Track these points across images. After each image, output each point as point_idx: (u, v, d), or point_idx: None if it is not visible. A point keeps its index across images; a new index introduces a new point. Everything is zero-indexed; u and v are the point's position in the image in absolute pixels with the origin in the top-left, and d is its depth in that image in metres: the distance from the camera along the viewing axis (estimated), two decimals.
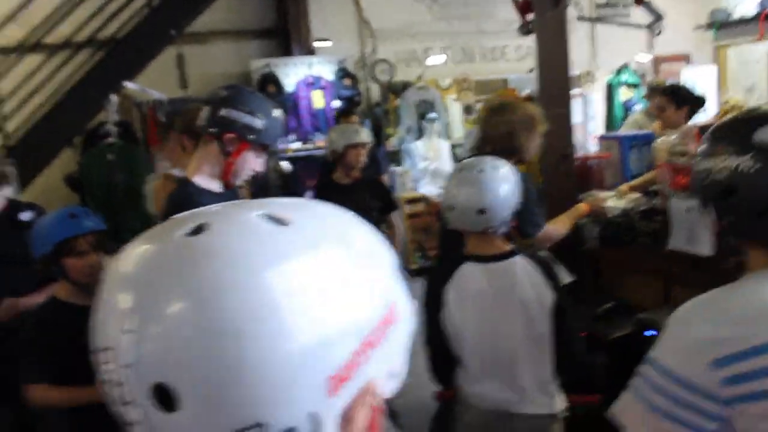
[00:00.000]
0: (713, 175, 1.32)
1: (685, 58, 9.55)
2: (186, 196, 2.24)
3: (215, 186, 2.33)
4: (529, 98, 4.64)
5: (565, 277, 2.96)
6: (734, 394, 1.19)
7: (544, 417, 2.29)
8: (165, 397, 0.59)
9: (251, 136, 2.24)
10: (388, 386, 0.69)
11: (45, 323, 2.35)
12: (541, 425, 2.30)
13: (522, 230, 2.81)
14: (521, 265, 2.28)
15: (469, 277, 2.27)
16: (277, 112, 2.34)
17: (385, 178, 5.87)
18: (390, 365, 0.69)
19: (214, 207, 0.71)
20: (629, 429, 1.31)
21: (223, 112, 2.24)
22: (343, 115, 5.85)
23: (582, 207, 3.39)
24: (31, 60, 6.17)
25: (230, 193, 2.37)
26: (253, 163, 2.32)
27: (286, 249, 0.64)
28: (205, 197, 2.22)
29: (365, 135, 4.38)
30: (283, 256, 0.63)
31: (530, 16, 4.65)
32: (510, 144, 3.01)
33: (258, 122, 2.24)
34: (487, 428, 2.30)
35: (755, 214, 1.28)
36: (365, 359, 0.65)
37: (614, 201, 3.78)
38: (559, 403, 2.33)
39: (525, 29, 4.82)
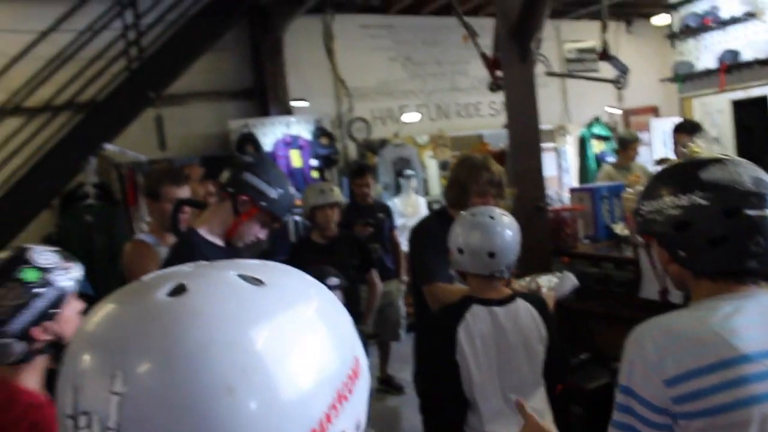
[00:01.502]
0: (665, 212, 1.44)
1: (653, 110, 9.83)
2: (192, 245, 2.35)
3: (218, 240, 2.44)
4: (502, 153, 4.74)
5: (574, 281, 3.05)
6: (683, 411, 1.33)
7: None
8: None
9: (263, 203, 2.37)
10: None
11: None
12: None
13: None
14: (523, 308, 2.40)
15: (478, 318, 2.35)
16: (292, 190, 2.49)
17: (396, 234, 5.82)
18: (357, 418, 0.72)
19: (186, 268, 0.73)
20: None
21: (244, 175, 2.38)
22: (356, 176, 5.69)
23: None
24: (11, 123, 6.22)
25: (231, 250, 2.45)
26: (257, 230, 2.44)
27: (266, 308, 0.67)
28: (209, 249, 2.34)
29: (334, 195, 4.36)
30: (264, 315, 0.67)
31: (499, 73, 4.80)
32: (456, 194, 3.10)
33: (273, 192, 2.37)
34: None
35: (708, 245, 1.40)
36: (338, 412, 0.68)
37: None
38: None
39: (494, 86, 4.96)
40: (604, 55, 5.45)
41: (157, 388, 0.61)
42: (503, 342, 2.34)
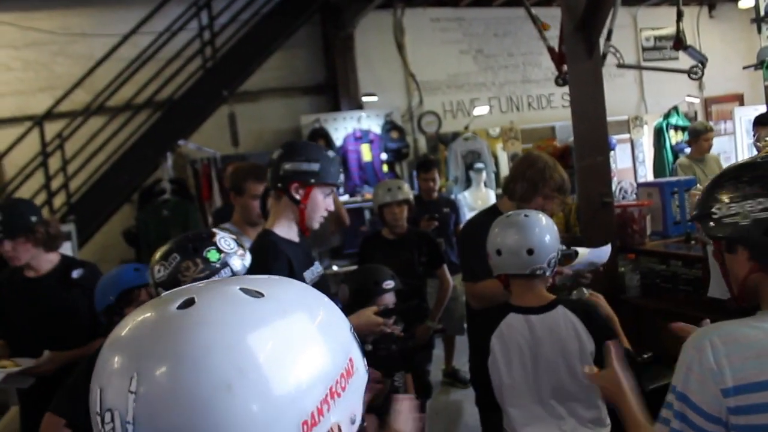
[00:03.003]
0: (752, 215, 1.34)
1: (738, 98, 9.42)
2: (269, 245, 2.44)
3: (294, 236, 2.53)
4: (566, 148, 4.66)
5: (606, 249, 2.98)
6: (738, 423, 1.27)
7: None
8: None
9: (312, 180, 2.43)
10: (350, 430, 0.81)
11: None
12: None
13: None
14: (563, 316, 2.34)
15: (513, 328, 2.34)
16: (330, 153, 2.54)
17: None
18: (351, 412, 0.82)
19: (199, 284, 0.85)
20: None
21: (281, 167, 2.44)
22: (422, 170, 5.72)
23: None
24: (95, 122, 6.55)
25: (303, 242, 2.59)
26: (322, 204, 2.49)
27: (261, 316, 0.77)
28: (286, 245, 2.44)
29: (402, 193, 4.37)
30: (260, 322, 0.77)
31: (566, 67, 4.70)
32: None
33: (314, 165, 2.43)
34: None
35: None
36: (331, 406, 0.77)
37: None
38: None
39: (561, 80, 4.87)
40: (679, 44, 5.25)
41: (166, 387, 0.70)
42: (539, 351, 2.31)
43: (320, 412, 0.75)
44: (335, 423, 0.78)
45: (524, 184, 3.17)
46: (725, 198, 1.39)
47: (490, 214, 3.15)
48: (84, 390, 2.19)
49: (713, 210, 1.41)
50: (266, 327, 0.76)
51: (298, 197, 2.45)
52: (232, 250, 1.98)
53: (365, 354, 0.88)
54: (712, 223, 1.42)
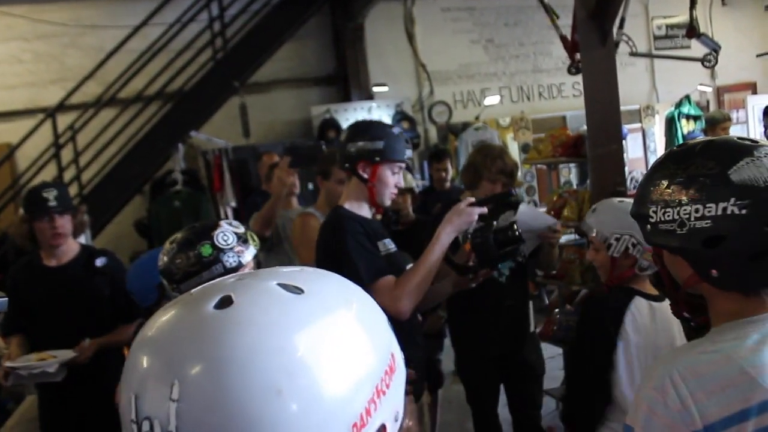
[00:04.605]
0: (689, 223, 1.19)
1: (751, 87, 9.35)
2: (338, 218, 2.50)
3: (365, 213, 2.57)
4: (579, 137, 4.64)
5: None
6: None
7: None
8: None
9: (377, 158, 2.46)
10: (394, 428, 0.77)
11: None
12: None
13: None
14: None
15: (642, 313, 2.20)
16: (396, 130, 2.57)
17: None
18: (394, 410, 0.77)
19: (230, 279, 0.80)
20: None
21: (348, 148, 2.50)
22: (434, 160, 5.68)
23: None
24: (107, 114, 6.57)
25: (375, 220, 2.65)
26: (391, 180, 2.52)
27: (306, 315, 0.73)
28: (354, 221, 2.48)
29: (404, 182, 4.34)
30: (305, 321, 0.72)
31: (579, 56, 4.68)
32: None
33: (378, 143, 2.46)
34: None
35: (747, 260, 1.17)
36: (377, 406, 0.73)
37: None
38: None
39: (574, 68, 4.84)
40: (692, 32, 5.21)
41: (211, 393, 0.66)
42: (659, 339, 2.17)
43: (368, 412, 0.72)
44: (381, 423, 0.74)
45: (471, 171, 3.40)
46: (660, 200, 1.22)
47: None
48: None
49: (650, 213, 1.24)
50: (312, 326, 0.72)
51: (366, 176, 2.48)
52: (228, 246, 1.95)
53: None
54: (649, 227, 1.25)
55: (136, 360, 0.72)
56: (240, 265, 1.97)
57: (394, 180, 2.53)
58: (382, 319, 0.82)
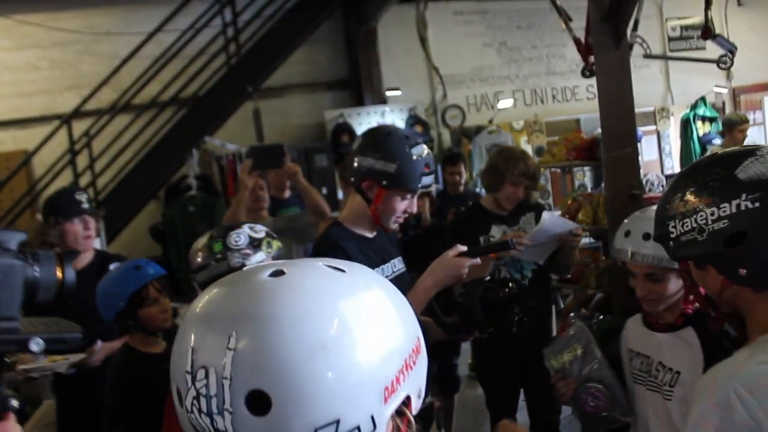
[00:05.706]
0: (708, 227, 1.22)
1: (767, 88, 9.27)
2: (331, 239, 2.22)
3: (367, 231, 2.28)
4: (594, 140, 4.61)
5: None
6: None
7: None
8: (257, 403, 0.73)
9: (384, 182, 2.13)
10: (417, 403, 0.86)
11: (128, 371, 2.44)
12: None
13: None
14: None
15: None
16: (416, 151, 2.15)
17: None
18: (419, 386, 0.86)
19: (282, 260, 0.89)
20: None
21: (356, 160, 2.18)
22: (448, 163, 5.60)
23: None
24: (121, 120, 6.62)
25: (380, 236, 2.32)
26: (398, 207, 2.18)
27: (348, 287, 0.84)
28: (350, 240, 2.20)
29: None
30: (348, 292, 0.82)
31: (593, 58, 4.65)
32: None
33: (390, 166, 2.11)
34: None
35: None
36: (404, 377, 0.82)
37: None
38: None
39: (588, 71, 4.81)
40: (708, 33, 5.17)
41: (265, 344, 0.74)
42: None
43: (398, 380, 0.80)
44: (407, 394, 0.82)
45: (492, 174, 3.39)
46: (677, 213, 1.27)
47: (473, 212, 3.43)
48: (123, 392, 2.21)
49: (670, 229, 1.29)
50: (354, 297, 0.81)
51: (370, 196, 2.18)
52: (236, 247, 2.04)
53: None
54: (671, 243, 1.29)
55: (192, 322, 0.80)
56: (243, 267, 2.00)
57: (403, 206, 2.19)
58: (410, 309, 0.90)
